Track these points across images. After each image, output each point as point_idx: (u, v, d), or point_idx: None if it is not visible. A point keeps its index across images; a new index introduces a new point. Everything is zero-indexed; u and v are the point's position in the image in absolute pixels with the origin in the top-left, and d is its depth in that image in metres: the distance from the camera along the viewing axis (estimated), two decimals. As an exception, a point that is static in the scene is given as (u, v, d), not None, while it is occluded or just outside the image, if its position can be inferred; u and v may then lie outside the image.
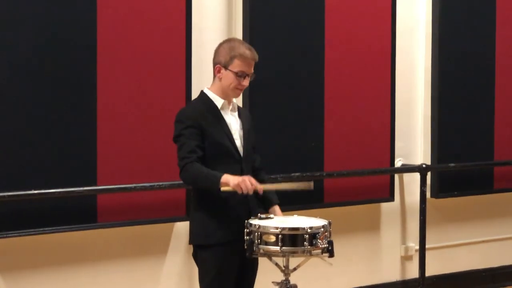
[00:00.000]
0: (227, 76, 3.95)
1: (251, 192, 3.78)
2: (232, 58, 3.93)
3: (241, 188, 3.75)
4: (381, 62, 5.89)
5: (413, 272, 6.20)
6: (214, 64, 4.00)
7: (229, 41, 4.06)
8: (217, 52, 4.02)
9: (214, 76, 4.01)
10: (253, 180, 3.80)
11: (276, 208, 4.10)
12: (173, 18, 5.02)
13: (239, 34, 5.27)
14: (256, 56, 3.99)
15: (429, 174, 6.10)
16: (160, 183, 4.91)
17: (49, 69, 4.63)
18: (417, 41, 6.20)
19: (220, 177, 3.80)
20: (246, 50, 3.95)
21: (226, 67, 3.95)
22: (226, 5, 5.33)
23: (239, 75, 3.93)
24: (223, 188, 3.79)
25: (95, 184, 4.78)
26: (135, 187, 4.87)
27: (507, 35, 6.48)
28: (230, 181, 3.78)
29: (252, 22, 5.26)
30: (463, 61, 6.26)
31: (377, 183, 5.92)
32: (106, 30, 4.78)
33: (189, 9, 5.07)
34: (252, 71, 3.99)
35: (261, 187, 3.84)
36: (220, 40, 5.22)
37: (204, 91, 4.04)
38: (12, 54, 4.52)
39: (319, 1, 5.56)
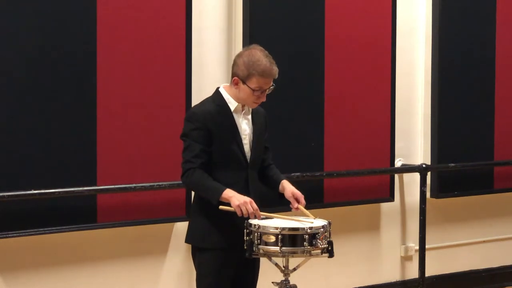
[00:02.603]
0: (245, 91, 3.86)
1: (251, 217, 3.76)
2: (250, 75, 3.82)
3: (241, 211, 3.73)
4: (381, 62, 5.89)
5: (413, 272, 6.20)
6: (232, 74, 3.90)
7: (249, 53, 3.88)
8: (236, 62, 3.89)
9: (231, 83, 3.91)
10: (255, 205, 3.76)
11: (285, 183, 4.04)
12: (173, 18, 5.02)
13: (239, 34, 5.26)
14: (276, 73, 3.86)
15: (429, 174, 6.10)
16: (160, 183, 4.91)
17: (48, 69, 4.63)
18: (417, 41, 6.20)
19: (221, 192, 3.76)
20: (266, 69, 3.81)
21: (243, 82, 3.85)
22: (226, 5, 5.33)
23: (257, 91, 3.85)
24: (221, 207, 3.76)
25: (95, 184, 4.78)
26: (135, 187, 4.87)
27: (507, 35, 6.48)
28: (231, 199, 3.74)
29: (252, 22, 5.26)
30: (463, 61, 6.26)
31: (377, 183, 5.92)
32: (106, 30, 4.78)
33: (189, 9, 5.07)
34: (271, 84, 3.89)
35: (260, 215, 3.80)
36: (220, 40, 5.27)
37: (220, 90, 3.96)
38: (12, 54, 4.52)
39: (319, 1, 5.56)
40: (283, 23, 5.42)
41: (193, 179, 3.82)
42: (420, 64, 6.21)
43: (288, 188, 4.01)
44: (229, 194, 3.76)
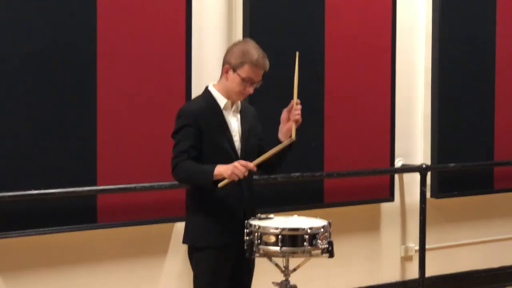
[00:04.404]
0: (234, 79, 3.88)
1: (246, 173, 3.74)
2: (242, 63, 3.85)
3: (236, 175, 3.72)
4: (381, 62, 5.89)
5: (413, 272, 6.20)
6: (224, 62, 3.93)
7: (244, 43, 3.96)
8: (229, 51, 3.93)
9: (222, 74, 3.95)
10: (243, 162, 3.75)
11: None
12: (173, 18, 5.02)
13: (239, 34, 5.27)
14: (267, 66, 3.90)
15: (429, 174, 6.10)
16: (160, 183, 4.91)
17: (49, 70, 4.63)
18: (417, 41, 6.20)
19: (212, 172, 3.76)
20: (259, 59, 3.85)
21: (234, 70, 3.87)
22: (226, 5, 5.33)
23: (246, 81, 3.87)
24: (220, 184, 3.76)
25: (95, 184, 4.78)
26: (135, 187, 4.87)
27: (507, 35, 6.48)
28: (223, 173, 3.74)
29: (252, 22, 5.26)
30: (463, 61, 6.26)
31: (377, 183, 5.92)
32: (106, 30, 4.78)
33: (189, 9, 5.07)
34: (260, 79, 3.91)
35: (252, 164, 3.78)
36: (220, 40, 5.27)
37: (209, 88, 3.98)
38: (13, 55, 4.52)
39: (319, 1, 5.56)
40: (283, 23, 5.42)
41: (183, 170, 3.82)
42: (420, 64, 6.21)
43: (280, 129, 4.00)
44: (220, 170, 3.75)
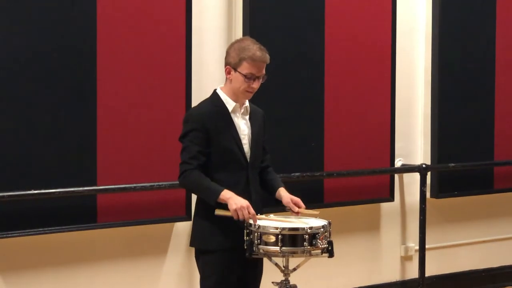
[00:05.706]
0: (237, 78, 3.87)
1: (247, 221, 3.75)
2: (241, 60, 3.84)
3: (238, 215, 3.72)
4: (381, 62, 5.89)
5: (413, 272, 6.20)
6: (225, 64, 3.93)
7: (240, 41, 3.96)
8: (228, 52, 3.93)
9: (226, 76, 3.95)
10: (252, 210, 3.75)
11: (282, 191, 4.05)
12: (173, 18, 5.02)
13: (239, 34, 5.27)
14: (267, 58, 3.89)
15: (429, 174, 6.10)
16: (160, 183, 4.91)
17: (49, 70, 4.63)
18: (417, 41, 6.20)
19: (219, 193, 3.76)
20: (256, 52, 3.84)
21: (235, 69, 3.87)
22: (226, 5, 5.33)
23: (248, 78, 3.85)
24: (217, 212, 3.76)
25: (95, 184, 4.78)
26: (135, 187, 4.87)
27: (507, 35, 6.48)
28: (229, 201, 3.73)
29: (252, 22, 5.26)
30: (463, 61, 6.26)
31: (377, 183, 5.92)
32: (106, 30, 4.78)
33: (189, 9, 5.07)
34: (263, 72, 3.89)
35: (257, 219, 3.79)
36: (220, 40, 5.28)
37: (217, 91, 3.97)
38: (13, 54, 4.52)
39: (319, 1, 5.56)
40: (283, 23, 5.42)
41: (190, 180, 3.82)
42: (420, 64, 6.21)
43: (285, 195, 4.02)
44: (227, 195, 3.76)
